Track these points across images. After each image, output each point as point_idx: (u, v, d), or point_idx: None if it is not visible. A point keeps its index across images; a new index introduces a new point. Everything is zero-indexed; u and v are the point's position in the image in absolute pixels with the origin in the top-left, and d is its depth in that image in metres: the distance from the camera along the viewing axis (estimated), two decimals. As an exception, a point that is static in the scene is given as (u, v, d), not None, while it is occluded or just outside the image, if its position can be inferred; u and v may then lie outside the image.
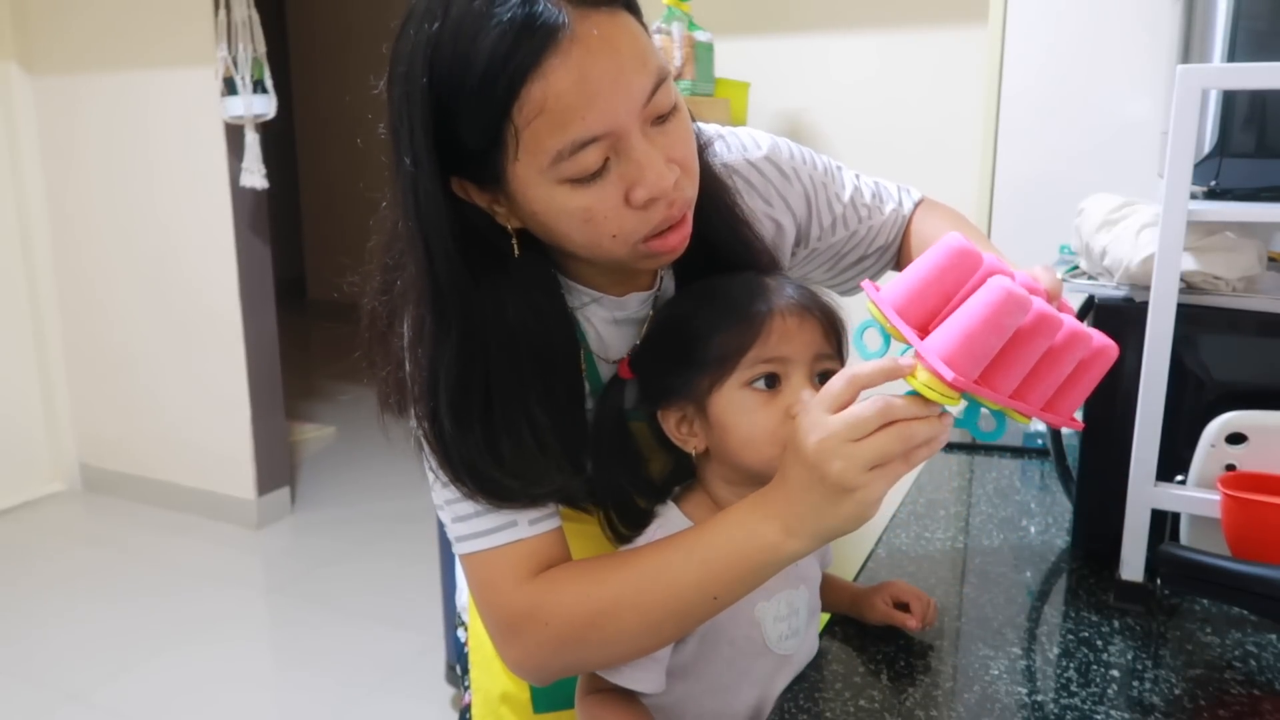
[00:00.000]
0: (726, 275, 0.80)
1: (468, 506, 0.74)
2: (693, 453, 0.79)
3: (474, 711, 0.97)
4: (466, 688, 1.03)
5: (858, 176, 0.98)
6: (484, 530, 0.74)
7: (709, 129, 0.88)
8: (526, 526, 0.74)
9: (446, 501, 0.76)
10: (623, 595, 0.70)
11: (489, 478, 0.72)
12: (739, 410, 0.75)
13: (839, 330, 0.79)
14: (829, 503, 0.63)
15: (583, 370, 0.80)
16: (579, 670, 0.77)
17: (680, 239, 0.72)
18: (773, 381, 0.74)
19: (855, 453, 0.61)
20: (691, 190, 0.72)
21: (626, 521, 0.82)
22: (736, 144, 0.89)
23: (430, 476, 0.76)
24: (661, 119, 0.68)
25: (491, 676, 0.95)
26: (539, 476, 0.74)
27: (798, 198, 0.91)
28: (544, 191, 0.67)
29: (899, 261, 1.01)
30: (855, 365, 0.66)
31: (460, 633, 1.06)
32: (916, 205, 1.02)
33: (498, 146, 0.65)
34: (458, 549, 0.76)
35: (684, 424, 0.79)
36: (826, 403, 0.63)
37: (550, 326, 0.76)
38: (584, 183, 0.66)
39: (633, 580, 0.71)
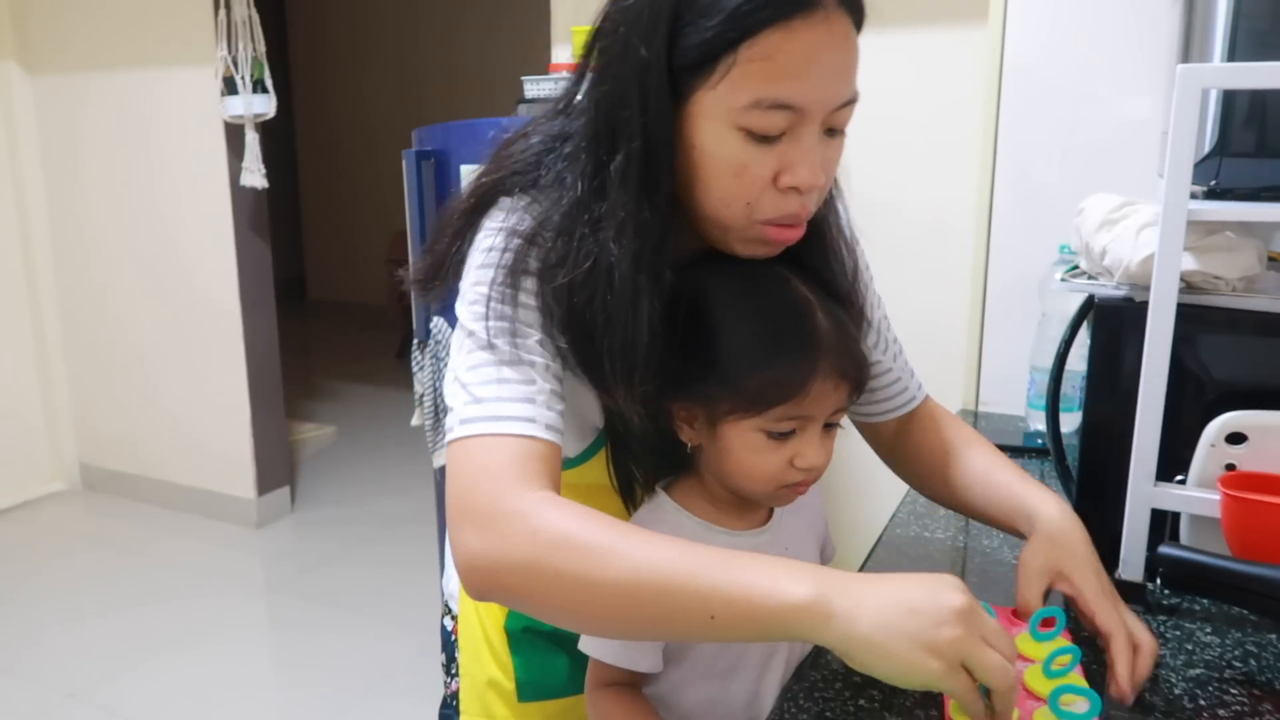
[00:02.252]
0: (779, 291, 0.77)
1: (491, 389, 0.70)
2: (687, 443, 0.80)
3: (461, 696, 0.98)
4: (454, 675, 1.03)
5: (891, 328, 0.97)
6: (502, 415, 0.70)
7: None
8: (544, 429, 0.70)
9: (472, 371, 0.72)
10: (630, 551, 0.64)
11: (587, 333, 0.72)
12: (747, 448, 0.76)
13: (863, 389, 0.79)
14: (894, 631, 0.60)
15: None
16: (523, 602, 0.68)
17: (793, 238, 0.76)
18: (788, 434, 0.75)
19: (974, 645, 0.60)
20: (818, 204, 0.76)
21: (619, 478, 0.82)
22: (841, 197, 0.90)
23: (469, 340, 0.73)
24: (832, 132, 0.73)
25: (480, 663, 0.95)
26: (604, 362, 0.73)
27: (851, 268, 0.89)
28: (719, 128, 0.70)
29: (899, 457, 0.98)
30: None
31: (447, 621, 1.07)
32: (924, 399, 1.00)
33: (705, 70, 0.68)
34: (463, 430, 0.70)
35: (687, 417, 0.79)
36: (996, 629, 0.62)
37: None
38: (756, 141, 0.69)
39: (648, 546, 0.64)
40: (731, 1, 0.66)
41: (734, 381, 0.74)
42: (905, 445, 0.97)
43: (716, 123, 0.70)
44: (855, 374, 0.77)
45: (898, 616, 0.60)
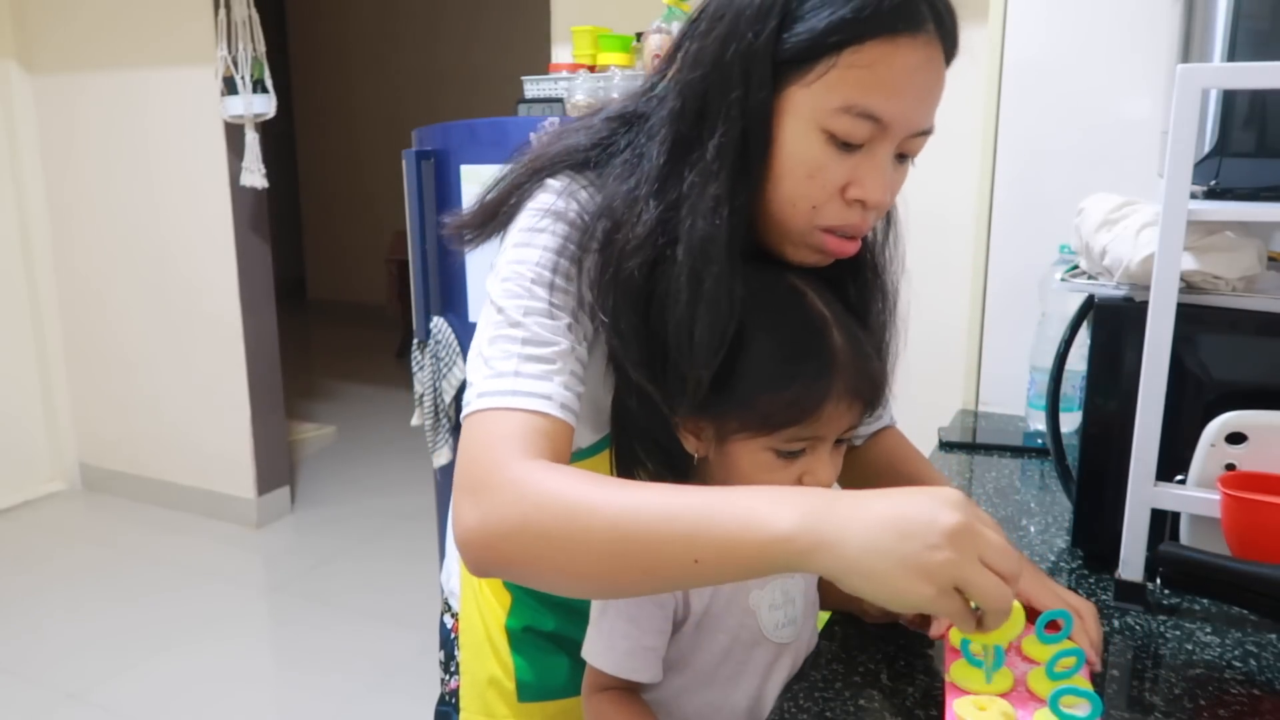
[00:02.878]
0: (795, 305, 0.76)
1: (511, 364, 0.71)
2: (693, 454, 0.79)
3: (462, 694, 0.98)
4: (453, 673, 1.03)
5: None
6: (519, 391, 0.70)
7: None
8: (557, 408, 0.71)
9: (494, 345, 0.72)
10: (612, 503, 0.63)
11: (658, 310, 0.72)
12: (755, 466, 0.75)
13: (876, 407, 0.79)
14: (884, 555, 0.58)
15: None
16: (520, 570, 0.67)
17: (848, 251, 0.77)
18: (798, 452, 0.75)
19: (971, 563, 0.58)
20: (875, 221, 0.78)
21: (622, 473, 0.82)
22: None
23: (497, 316, 0.73)
24: (902, 158, 0.75)
25: (481, 662, 0.95)
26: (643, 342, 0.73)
27: (892, 296, 0.90)
28: (803, 127, 0.71)
29: (859, 468, 0.99)
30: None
31: (446, 619, 1.06)
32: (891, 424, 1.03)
33: (804, 67, 0.69)
34: (478, 403, 0.70)
35: (694, 429, 0.78)
36: (994, 534, 0.61)
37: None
38: (836, 146, 0.71)
39: (630, 497, 0.64)
40: (845, 6, 0.68)
41: (745, 400, 0.73)
42: (857, 460, 0.99)
43: (802, 121, 0.71)
44: (869, 394, 0.75)
45: (888, 539, 0.58)
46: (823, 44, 0.68)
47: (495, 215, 0.80)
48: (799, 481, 0.75)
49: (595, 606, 0.81)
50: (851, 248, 0.77)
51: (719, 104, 0.71)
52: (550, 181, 0.77)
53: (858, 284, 0.83)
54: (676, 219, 0.72)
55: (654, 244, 0.72)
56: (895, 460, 0.98)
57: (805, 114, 0.70)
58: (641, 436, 0.80)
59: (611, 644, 0.79)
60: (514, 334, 0.71)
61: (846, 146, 0.71)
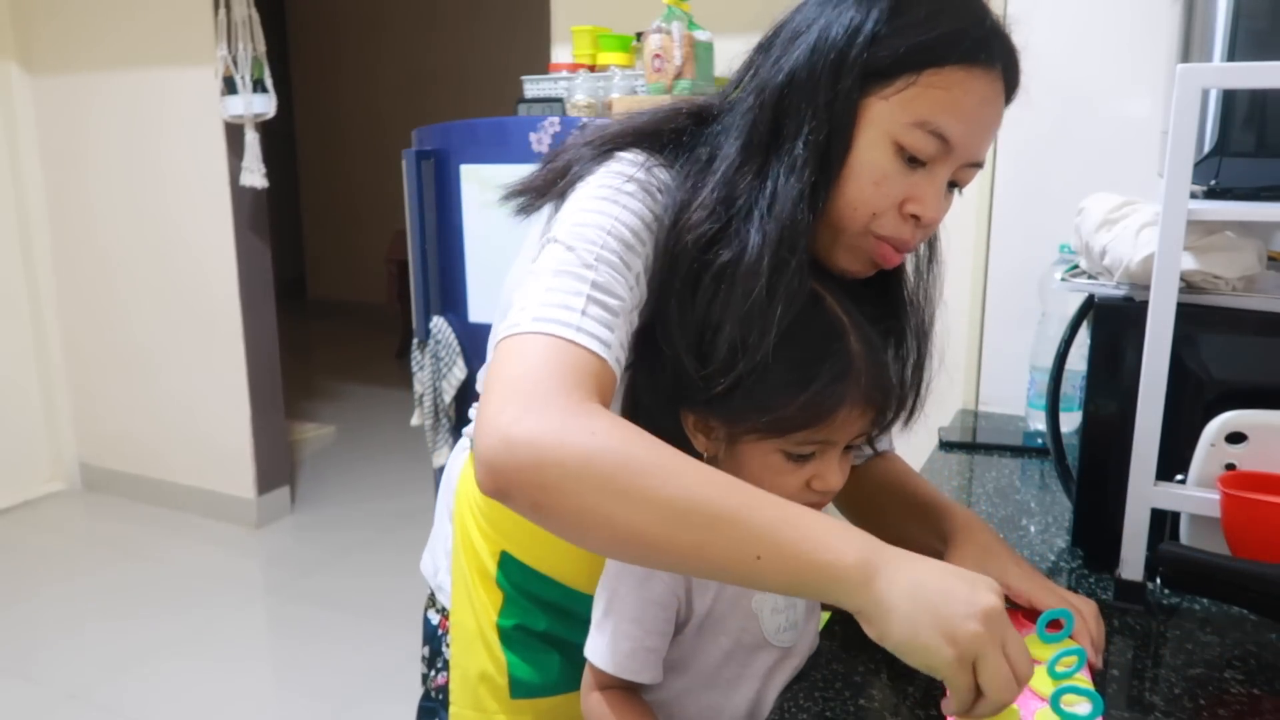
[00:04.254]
0: (813, 309, 0.75)
1: (578, 301, 0.68)
2: (702, 454, 0.79)
3: (452, 689, 0.98)
4: (439, 669, 1.03)
5: None
6: (583, 328, 0.67)
7: None
8: (614, 359, 0.70)
9: (560, 277, 0.69)
10: (695, 475, 0.63)
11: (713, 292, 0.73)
12: (765, 467, 0.75)
13: (887, 415, 0.79)
14: (923, 609, 0.62)
15: None
16: (554, 505, 0.62)
17: (893, 261, 0.80)
18: (808, 456, 0.75)
19: (991, 647, 0.62)
20: (923, 239, 0.81)
21: None
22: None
23: (567, 254, 0.71)
24: (953, 186, 0.79)
25: (472, 657, 0.95)
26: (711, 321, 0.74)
27: (928, 322, 0.91)
28: (875, 136, 0.74)
29: (863, 486, 0.99)
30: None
31: (432, 615, 1.06)
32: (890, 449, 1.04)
33: (886, 80, 0.73)
34: (536, 326, 0.67)
35: (704, 427, 0.78)
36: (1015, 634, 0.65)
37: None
38: (903, 160, 0.74)
39: (714, 476, 0.64)
40: (931, 33, 0.72)
41: (758, 402, 0.72)
42: (860, 479, 0.99)
43: (875, 130, 0.74)
44: (882, 402, 0.76)
45: (932, 598, 0.62)
46: (907, 62, 0.72)
47: (559, 181, 0.80)
48: (808, 485, 0.75)
49: (598, 606, 0.81)
50: (896, 259, 0.79)
51: (806, 106, 0.73)
52: (623, 154, 0.78)
53: (898, 316, 0.85)
54: (748, 204, 0.74)
55: (717, 219, 0.74)
56: (899, 475, 0.99)
57: (880, 124, 0.73)
58: (652, 431, 0.80)
59: (614, 644, 0.79)
60: (585, 274, 0.70)
61: (912, 161, 0.74)
